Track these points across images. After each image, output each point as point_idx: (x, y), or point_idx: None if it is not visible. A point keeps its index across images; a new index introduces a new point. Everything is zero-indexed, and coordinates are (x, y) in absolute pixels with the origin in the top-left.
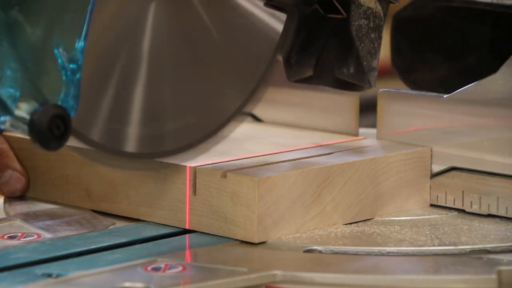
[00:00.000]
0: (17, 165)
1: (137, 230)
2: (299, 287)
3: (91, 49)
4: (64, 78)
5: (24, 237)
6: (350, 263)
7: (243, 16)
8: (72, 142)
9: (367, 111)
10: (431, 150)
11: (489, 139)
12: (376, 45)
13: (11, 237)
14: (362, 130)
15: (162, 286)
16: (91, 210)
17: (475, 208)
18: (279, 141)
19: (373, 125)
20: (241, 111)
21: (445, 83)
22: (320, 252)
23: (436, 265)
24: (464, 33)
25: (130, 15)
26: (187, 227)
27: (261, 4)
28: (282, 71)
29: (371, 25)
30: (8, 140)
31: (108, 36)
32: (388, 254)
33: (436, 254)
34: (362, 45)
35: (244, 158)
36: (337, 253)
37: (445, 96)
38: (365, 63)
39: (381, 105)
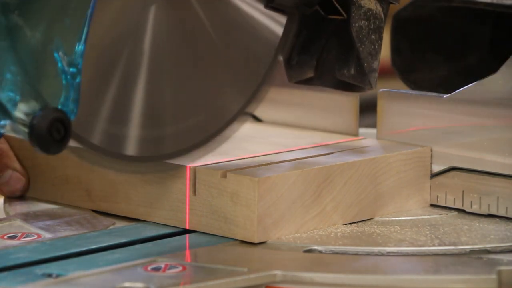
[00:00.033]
0: (17, 165)
1: (137, 230)
2: (299, 287)
3: (91, 52)
4: (64, 81)
5: (24, 237)
6: (350, 263)
7: (243, 18)
8: (73, 143)
9: (367, 111)
10: (431, 150)
11: (489, 139)
12: (376, 46)
13: (11, 237)
14: (362, 130)
15: (162, 286)
16: (91, 210)
17: (475, 208)
18: (279, 141)
19: (373, 125)
20: (243, 112)
21: (445, 83)
22: (320, 252)
23: (436, 265)
24: (464, 33)
25: (130, 18)
26: (187, 227)
27: (262, 5)
28: (281, 71)
29: (372, 26)
30: (8, 140)
31: (108, 39)
32: (388, 254)
33: (436, 254)
34: (363, 46)
35: (244, 158)
36: (337, 253)
37: (445, 96)
38: (365, 64)
39: (381, 105)
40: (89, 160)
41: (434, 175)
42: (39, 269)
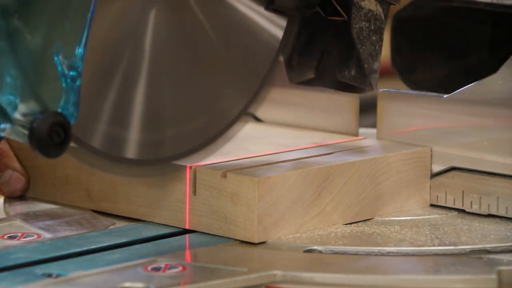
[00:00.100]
0: (17, 165)
1: (137, 230)
2: (299, 287)
3: (91, 55)
4: (64, 85)
5: (24, 237)
6: (350, 263)
7: (243, 20)
8: (73, 145)
9: (367, 111)
10: (431, 150)
11: (489, 139)
12: (377, 48)
13: (11, 237)
14: (362, 130)
15: (162, 286)
16: (91, 210)
17: (475, 208)
18: (279, 141)
19: (373, 125)
20: (244, 113)
21: (445, 83)
22: (320, 252)
23: (436, 265)
24: (464, 33)
25: (130, 20)
26: (187, 227)
27: (261, 7)
28: (281, 71)
29: (372, 28)
30: (8, 140)
31: (108, 42)
32: (388, 254)
33: (436, 254)
34: (363, 47)
35: (244, 158)
36: (337, 253)
37: (445, 96)
38: (366, 65)
39: (381, 105)
40: (89, 163)
41: (434, 175)
42: (39, 269)
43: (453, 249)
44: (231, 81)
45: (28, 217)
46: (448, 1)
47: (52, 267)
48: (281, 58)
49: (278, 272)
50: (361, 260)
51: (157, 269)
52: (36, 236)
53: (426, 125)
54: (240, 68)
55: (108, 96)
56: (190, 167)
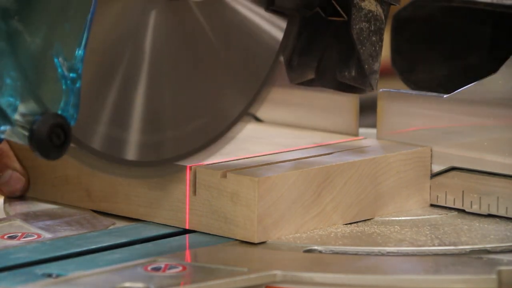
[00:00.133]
0: (17, 165)
1: (137, 230)
2: (299, 287)
3: (91, 57)
4: (64, 87)
5: (24, 237)
6: (350, 263)
7: (243, 21)
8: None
9: (367, 111)
10: (431, 150)
11: (489, 139)
12: (377, 48)
13: (11, 237)
14: (362, 130)
15: (162, 286)
16: (91, 210)
17: (475, 208)
18: (279, 141)
19: (373, 125)
20: (244, 114)
21: (445, 83)
22: (320, 252)
23: (436, 265)
24: (464, 33)
25: (130, 22)
26: (187, 227)
27: (261, 8)
28: (281, 71)
29: (372, 28)
30: (8, 140)
31: (109, 43)
32: (388, 254)
33: (436, 254)
34: (364, 48)
35: (244, 158)
36: (337, 253)
37: (445, 96)
38: (366, 66)
39: (381, 105)
40: (89, 165)
41: (434, 175)
42: (39, 269)
43: (453, 249)
44: (231, 82)
45: (28, 217)
46: (448, 1)
47: (52, 267)
48: (281, 59)
49: (278, 272)
50: (361, 260)
51: (157, 269)
52: (36, 236)
53: (426, 125)
54: (240, 69)
55: (108, 98)
56: (190, 167)
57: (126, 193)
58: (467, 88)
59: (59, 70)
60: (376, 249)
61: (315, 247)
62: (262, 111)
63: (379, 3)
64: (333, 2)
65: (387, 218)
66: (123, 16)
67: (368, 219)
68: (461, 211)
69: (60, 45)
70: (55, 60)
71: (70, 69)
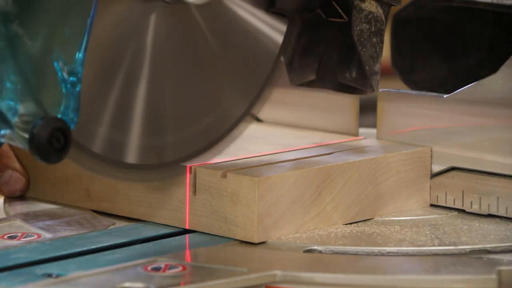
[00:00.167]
0: (17, 165)
1: (137, 230)
2: (299, 287)
3: (91, 60)
4: (64, 90)
5: (24, 237)
6: (350, 263)
7: (243, 22)
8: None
9: (367, 111)
10: (431, 150)
11: (489, 139)
12: (378, 49)
13: (11, 237)
14: (362, 130)
15: (162, 286)
16: (91, 210)
17: (475, 208)
18: (279, 141)
19: (373, 125)
20: (246, 115)
21: (445, 83)
22: (320, 252)
23: (436, 265)
24: (464, 33)
25: (131, 25)
26: (187, 227)
27: (262, 11)
28: (282, 72)
29: (373, 30)
30: None
31: (109, 47)
32: (388, 254)
33: (436, 254)
34: (364, 49)
35: (244, 158)
36: (337, 253)
37: (445, 96)
38: (367, 67)
39: (381, 105)
40: (90, 169)
41: (434, 175)
42: (39, 269)
43: (453, 249)
44: (232, 84)
45: (28, 217)
46: (448, 1)
47: (52, 267)
48: (282, 59)
49: (278, 272)
50: (361, 260)
51: (157, 269)
52: (36, 236)
53: (426, 125)
54: (241, 71)
55: (109, 101)
56: (190, 167)
57: (126, 193)
58: (467, 88)
59: (59, 74)
60: (376, 249)
61: (315, 247)
62: (262, 111)
63: (380, 4)
64: (334, 3)
65: (387, 218)
66: (123, 19)
67: (368, 219)
68: (461, 211)
69: (60, 49)
70: (55, 64)
71: (70, 73)
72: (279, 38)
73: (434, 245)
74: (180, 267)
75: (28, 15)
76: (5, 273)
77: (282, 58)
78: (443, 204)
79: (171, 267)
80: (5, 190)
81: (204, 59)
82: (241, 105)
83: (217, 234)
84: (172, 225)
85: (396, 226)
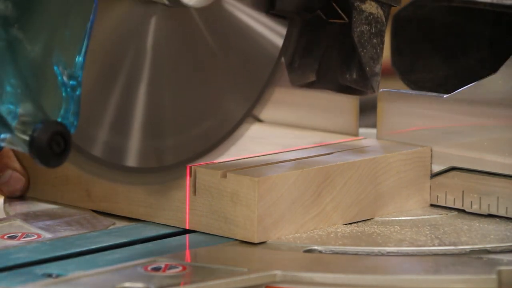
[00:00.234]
0: (17, 165)
1: (137, 230)
2: (299, 287)
3: (92, 63)
4: (64, 94)
5: (24, 237)
6: (350, 263)
7: (243, 26)
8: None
9: (367, 111)
10: (431, 150)
11: (489, 139)
12: (378, 50)
13: (11, 237)
14: (362, 130)
15: (162, 286)
16: (91, 210)
17: (475, 208)
18: (279, 141)
19: (373, 125)
20: (246, 117)
21: (445, 83)
22: (320, 252)
23: (436, 265)
24: (464, 33)
25: (131, 29)
26: (187, 227)
27: (262, 13)
28: (282, 72)
29: (373, 31)
30: None
31: (109, 50)
32: (388, 254)
33: (436, 254)
34: (365, 51)
35: (244, 158)
36: (337, 253)
37: (445, 96)
38: (367, 68)
39: (381, 105)
40: (90, 172)
41: (434, 175)
42: (39, 269)
43: (453, 249)
44: (232, 87)
45: (28, 217)
46: (448, 1)
47: (52, 267)
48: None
49: (278, 272)
50: (361, 260)
51: (157, 269)
52: (36, 236)
53: (426, 125)
54: (242, 74)
55: (109, 104)
56: (190, 167)
57: (126, 193)
58: (467, 88)
59: (59, 77)
60: (376, 249)
61: (315, 247)
62: (262, 111)
63: (380, 5)
64: (334, 4)
65: (387, 218)
66: (124, 22)
67: (368, 219)
68: (461, 211)
69: (60, 52)
70: (55, 67)
71: (70, 77)
72: (279, 41)
73: (434, 245)
74: (180, 267)
75: (28, 19)
76: (5, 273)
77: (282, 59)
78: (443, 204)
79: (171, 267)
80: (5, 190)
81: (204, 62)
82: (241, 108)
83: (217, 234)
84: (172, 225)
85: (396, 226)
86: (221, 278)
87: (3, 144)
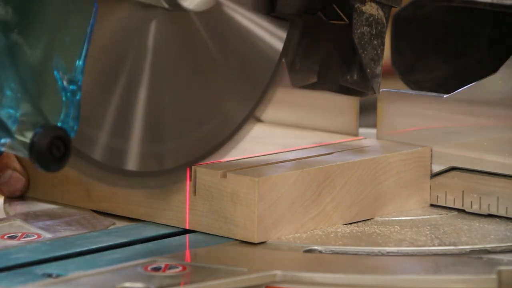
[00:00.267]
0: (17, 165)
1: (137, 230)
2: (299, 287)
3: (91, 68)
4: (64, 99)
5: (24, 237)
6: (350, 263)
7: (244, 29)
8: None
9: (367, 111)
10: (431, 150)
11: (489, 139)
12: (379, 52)
13: (11, 237)
14: (362, 130)
15: (162, 286)
16: (91, 210)
17: (475, 208)
18: (279, 141)
19: (373, 125)
20: (248, 118)
21: (445, 83)
22: (320, 252)
23: (436, 265)
24: (464, 33)
25: (131, 32)
26: (187, 227)
27: (263, 16)
28: (282, 72)
29: (374, 32)
30: None
31: (109, 54)
32: (388, 254)
33: (436, 254)
34: (365, 52)
35: (244, 158)
36: (337, 253)
37: (445, 96)
38: (368, 70)
39: (381, 105)
40: (90, 176)
41: (434, 175)
42: (39, 269)
43: (453, 249)
44: (233, 90)
45: (28, 217)
46: (448, 1)
47: (52, 267)
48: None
49: (278, 272)
50: (361, 260)
51: (157, 269)
52: (36, 236)
53: (426, 125)
54: (242, 77)
55: (109, 108)
56: (190, 168)
57: (126, 193)
58: (467, 88)
59: (59, 82)
60: (376, 249)
61: (315, 247)
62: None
63: (380, 7)
64: (334, 6)
65: (387, 218)
66: (124, 26)
67: (368, 219)
68: (461, 211)
69: (60, 57)
70: (55, 72)
71: (70, 81)
72: (279, 44)
73: (434, 245)
74: (180, 267)
75: (28, 24)
76: (5, 273)
77: (283, 60)
78: (443, 204)
79: (171, 267)
80: (5, 190)
81: (204, 66)
82: (241, 111)
83: (217, 234)
84: (172, 225)
85: (396, 226)
86: (221, 278)
87: (3, 149)
